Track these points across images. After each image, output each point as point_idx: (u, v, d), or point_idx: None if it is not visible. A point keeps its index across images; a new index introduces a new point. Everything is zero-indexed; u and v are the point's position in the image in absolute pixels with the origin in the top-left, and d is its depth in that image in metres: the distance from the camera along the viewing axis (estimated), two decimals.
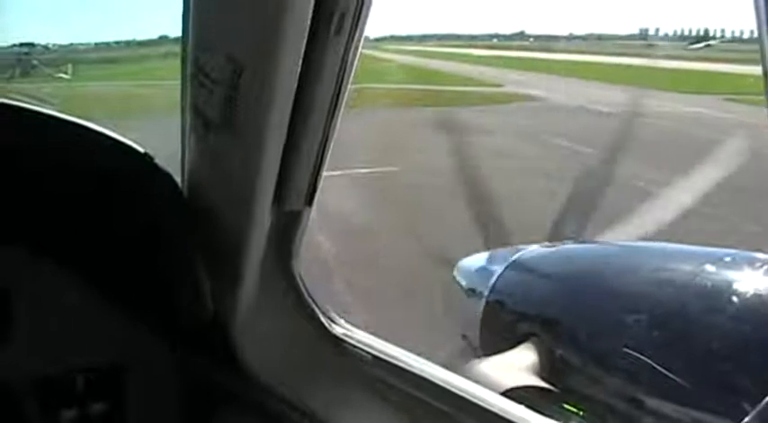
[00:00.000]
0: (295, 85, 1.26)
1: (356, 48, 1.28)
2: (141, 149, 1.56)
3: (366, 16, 1.25)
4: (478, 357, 2.39)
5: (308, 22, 1.19)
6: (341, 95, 1.33)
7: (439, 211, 6.84)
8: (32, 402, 1.67)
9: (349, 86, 1.33)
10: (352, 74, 1.31)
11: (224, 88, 1.30)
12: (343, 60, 1.28)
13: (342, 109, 1.35)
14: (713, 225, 5.99)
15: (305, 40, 1.21)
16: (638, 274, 2.32)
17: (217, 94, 1.32)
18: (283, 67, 1.22)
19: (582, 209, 3.43)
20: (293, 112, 1.30)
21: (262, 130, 1.30)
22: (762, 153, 5.68)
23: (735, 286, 2.00)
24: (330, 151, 1.40)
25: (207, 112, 1.37)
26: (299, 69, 1.24)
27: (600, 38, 17.64)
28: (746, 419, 1.24)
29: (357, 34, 1.26)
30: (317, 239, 5.44)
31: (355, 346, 1.59)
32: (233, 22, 1.27)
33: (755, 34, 0.86)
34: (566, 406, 2.00)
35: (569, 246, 2.94)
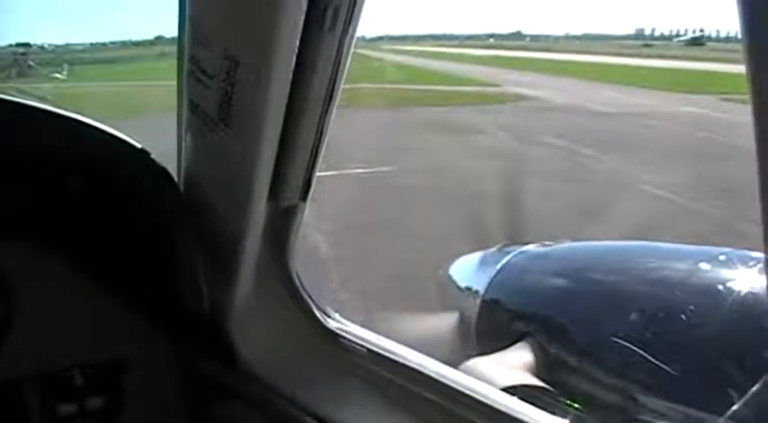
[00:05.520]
0: (289, 81, 1.26)
1: (350, 43, 1.28)
2: (138, 145, 1.56)
3: (359, 11, 1.25)
4: (474, 356, 2.39)
5: (303, 17, 1.19)
6: (335, 91, 1.33)
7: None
8: (31, 397, 1.68)
9: (343, 82, 1.34)
10: (347, 70, 1.32)
11: (220, 84, 1.30)
12: (337, 56, 1.28)
13: (336, 105, 1.35)
14: None
15: (299, 36, 1.21)
16: (633, 274, 2.32)
17: (213, 90, 1.32)
18: (278, 62, 1.22)
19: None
20: (288, 107, 1.30)
21: (257, 125, 1.31)
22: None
23: (729, 284, 2.00)
24: (324, 147, 1.40)
25: (203, 108, 1.38)
26: (293, 65, 1.24)
27: (596, 38, 17.69)
28: (734, 407, 1.25)
29: (350, 30, 1.26)
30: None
31: (350, 341, 1.60)
32: (228, 18, 1.28)
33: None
34: (562, 400, 2.01)
35: (565, 245, 2.94)
